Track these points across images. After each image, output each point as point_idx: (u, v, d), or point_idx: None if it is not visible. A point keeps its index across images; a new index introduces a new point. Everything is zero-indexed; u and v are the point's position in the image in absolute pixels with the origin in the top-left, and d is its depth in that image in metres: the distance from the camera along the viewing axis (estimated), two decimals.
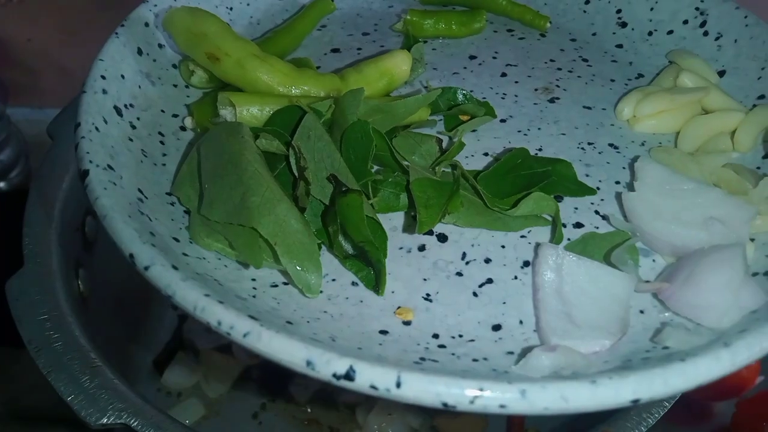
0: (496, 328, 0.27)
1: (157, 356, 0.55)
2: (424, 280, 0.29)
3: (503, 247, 0.30)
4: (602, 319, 0.26)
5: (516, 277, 0.29)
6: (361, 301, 0.27)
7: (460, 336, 0.26)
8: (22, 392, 0.58)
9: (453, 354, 0.25)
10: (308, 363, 0.22)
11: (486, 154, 0.35)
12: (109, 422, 0.29)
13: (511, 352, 0.26)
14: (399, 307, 0.27)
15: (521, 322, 0.27)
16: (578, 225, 0.31)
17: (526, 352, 0.25)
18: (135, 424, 0.29)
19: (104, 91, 0.31)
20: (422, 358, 0.25)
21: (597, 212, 0.32)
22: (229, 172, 0.27)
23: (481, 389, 0.21)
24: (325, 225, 0.29)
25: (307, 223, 0.28)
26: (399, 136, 0.33)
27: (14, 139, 0.75)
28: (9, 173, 0.75)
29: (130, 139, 0.30)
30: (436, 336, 0.26)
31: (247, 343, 0.22)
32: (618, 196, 0.32)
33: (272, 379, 0.56)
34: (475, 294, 0.28)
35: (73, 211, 0.43)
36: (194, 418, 0.53)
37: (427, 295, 0.28)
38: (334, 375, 0.21)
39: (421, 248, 0.30)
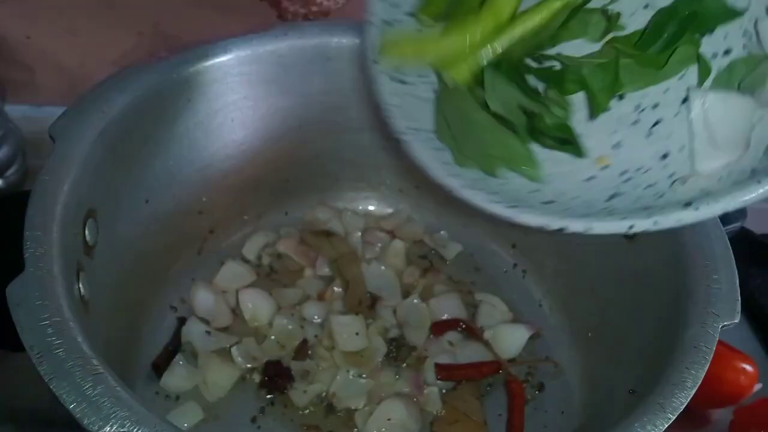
0: (664, 156, 0.36)
1: (156, 359, 0.55)
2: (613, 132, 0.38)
3: (666, 90, 0.37)
4: (735, 140, 0.33)
5: (678, 114, 0.37)
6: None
7: (638, 169, 0.35)
8: (16, 393, 0.58)
9: (635, 184, 0.34)
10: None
11: (646, 7, 0.39)
12: (112, 431, 0.29)
13: (673, 174, 0.34)
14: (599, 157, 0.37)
15: (681, 148, 0.35)
16: (727, 52, 0.36)
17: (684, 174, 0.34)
18: None
19: None
20: (613, 195, 0.35)
21: (745, 34, 0.36)
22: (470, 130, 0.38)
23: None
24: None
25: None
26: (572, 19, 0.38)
27: (11, 137, 0.74)
28: (6, 171, 0.74)
29: None
30: (623, 173, 0.36)
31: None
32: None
33: (271, 384, 0.55)
34: (649, 134, 0.37)
35: (74, 214, 0.42)
36: (193, 422, 0.52)
37: (617, 143, 0.37)
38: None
39: (606, 110, 0.38)
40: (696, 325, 0.39)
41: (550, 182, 0.38)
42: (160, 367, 0.54)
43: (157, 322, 0.58)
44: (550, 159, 0.39)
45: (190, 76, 0.55)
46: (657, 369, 0.40)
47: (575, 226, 0.34)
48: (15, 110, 0.78)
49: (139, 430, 0.29)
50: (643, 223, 0.33)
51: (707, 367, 0.37)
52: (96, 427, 0.29)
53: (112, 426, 0.29)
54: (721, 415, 0.62)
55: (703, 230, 0.46)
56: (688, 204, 0.32)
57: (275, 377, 0.55)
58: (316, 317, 0.60)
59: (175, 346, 0.56)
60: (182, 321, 0.58)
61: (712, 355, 0.37)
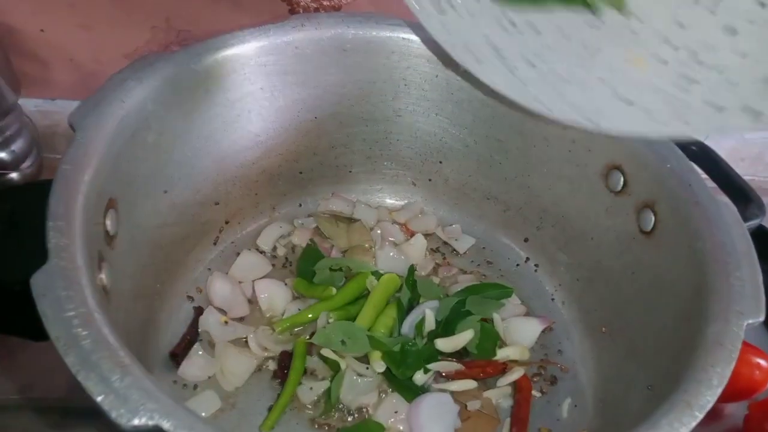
0: None
1: (174, 348, 0.55)
2: None
3: None
4: None
5: None
6: None
7: None
8: (32, 383, 0.58)
9: None
10: None
11: None
12: (141, 423, 0.29)
13: None
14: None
15: None
16: None
17: None
18: (168, 425, 0.29)
19: None
20: None
21: None
22: None
23: None
24: None
25: None
26: None
27: (26, 130, 0.75)
28: (21, 164, 0.74)
29: None
30: None
31: None
32: None
33: (284, 374, 0.55)
34: None
35: (95, 204, 0.42)
36: (211, 411, 0.53)
37: None
38: None
39: None
40: (719, 322, 0.39)
41: None
42: (177, 356, 0.54)
43: (174, 311, 0.59)
44: None
45: (208, 66, 0.54)
46: (678, 365, 0.40)
47: None
48: (29, 104, 0.79)
49: (167, 422, 0.30)
50: None
51: (733, 366, 0.36)
52: (125, 420, 0.29)
53: (140, 418, 0.29)
54: (735, 409, 0.62)
55: (724, 227, 0.46)
56: None
57: (288, 368, 0.55)
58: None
59: (192, 336, 0.56)
60: (199, 311, 0.59)
61: (737, 353, 0.37)
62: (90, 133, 0.44)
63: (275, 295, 0.61)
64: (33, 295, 0.34)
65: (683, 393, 0.35)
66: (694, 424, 0.33)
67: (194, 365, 0.54)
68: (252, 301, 0.61)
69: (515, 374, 0.57)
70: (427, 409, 0.54)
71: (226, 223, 0.65)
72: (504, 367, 0.58)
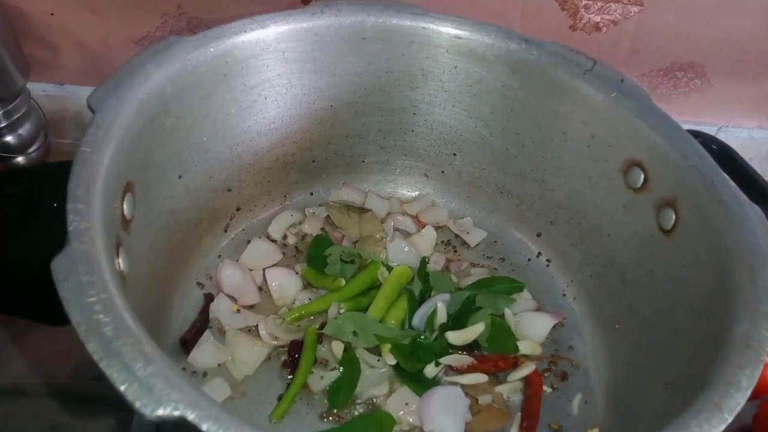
0: None
1: (184, 335, 0.55)
2: None
3: None
4: None
5: None
6: None
7: None
8: (33, 370, 0.58)
9: None
10: None
11: None
12: (165, 414, 0.29)
13: None
14: None
15: None
16: None
17: None
18: (192, 417, 0.29)
19: None
20: None
21: None
22: None
23: None
24: None
25: None
26: None
27: (34, 115, 0.74)
28: (28, 148, 0.74)
29: None
30: None
31: None
32: None
33: (293, 364, 0.55)
34: None
35: (114, 187, 0.42)
36: (220, 399, 0.52)
37: None
38: None
39: None
40: (746, 324, 0.39)
41: None
42: (188, 343, 0.54)
43: (184, 298, 0.58)
44: None
45: (227, 50, 0.53)
46: (699, 366, 0.39)
47: None
48: (37, 88, 0.78)
49: (192, 413, 0.29)
50: None
51: (761, 367, 0.36)
52: (149, 410, 0.29)
53: (165, 408, 0.29)
54: (745, 407, 0.61)
55: (748, 226, 0.45)
56: None
57: (298, 357, 0.55)
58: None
59: (202, 323, 0.56)
60: (210, 298, 0.58)
61: (765, 356, 0.37)
62: (109, 116, 0.43)
63: (286, 284, 0.60)
64: (54, 280, 0.33)
65: (712, 394, 0.35)
66: (723, 426, 0.33)
67: (204, 352, 0.54)
68: (262, 289, 0.61)
69: (526, 369, 0.57)
70: (437, 401, 0.53)
71: (238, 210, 0.65)
72: (515, 362, 0.58)
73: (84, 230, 0.36)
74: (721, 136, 0.94)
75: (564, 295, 0.65)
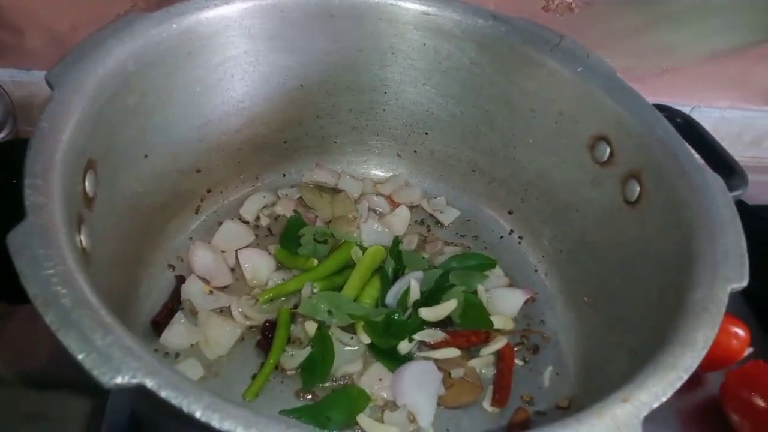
0: None
1: (155, 316, 0.54)
2: None
3: None
4: None
5: None
6: None
7: None
8: (12, 358, 0.57)
9: None
10: None
11: None
12: (123, 382, 0.28)
13: None
14: None
15: None
16: None
17: None
18: (151, 384, 0.28)
19: None
20: None
21: None
22: None
23: None
24: None
25: None
26: None
27: (1, 101, 0.73)
28: None
29: None
30: None
31: None
32: None
33: (267, 344, 0.55)
34: None
35: (74, 164, 0.41)
36: (193, 378, 0.52)
37: None
38: None
39: None
40: (704, 288, 0.39)
41: None
42: (159, 324, 0.54)
43: (155, 280, 0.58)
44: None
45: (190, 26, 0.53)
46: (661, 331, 0.40)
47: None
48: (4, 74, 0.76)
49: (151, 380, 0.29)
50: None
51: (717, 328, 0.37)
52: (107, 378, 0.29)
53: (123, 376, 0.29)
54: (713, 377, 0.63)
55: (709, 195, 0.46)
56: None
57: (271, 337, 0.55)
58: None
59: (174, 305, 0.55)
60: (181, 279, 0.58)
61: (721, 317, 0.38)
62: (69, 92, 0.42)
63: (259, 265, 0.60)
64: (10, 253, 0.32)
65: (668, 356, 0.36)
66: (679, 384, 0.34)
67: (176, 333, 0.54)
68: (235, 271, 0.61)
69: (498, 343, 0.58)
70: (410, 376, 0.54)
71: (209, 191, 0.64)
72: (488, 337, 0.58)
73: (41, 205, 0.35)
74: (694, 116, 0.96)
75: (536, 271, 0.66)
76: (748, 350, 0.61)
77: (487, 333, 0.58)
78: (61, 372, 0.56)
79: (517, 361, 0.58)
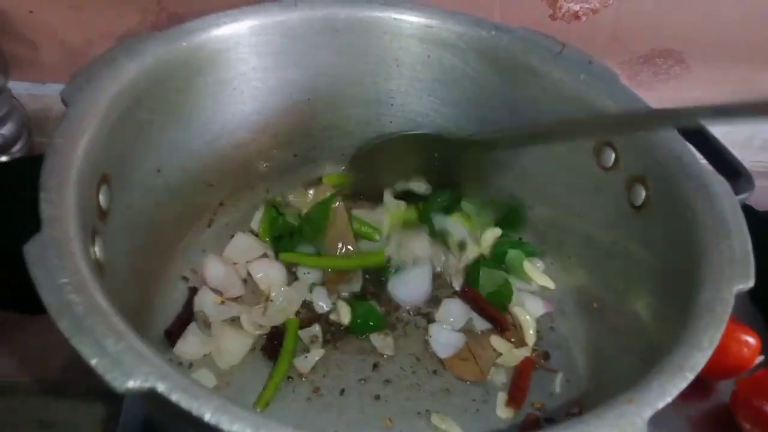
0: None
1: (169, 327, 0.55)
2: None
3: None
4: None
5: None
6: None
7: None
8: (24, 366, 0.58)
9: None
10: None
11: None
12: (135, 386, 0.29)
13: None
14: None
15: None
16: None
17: None
18: (162, 388, 0.29)
19: None
20: None
21: None
22: None
23: None
24: None
25: None
26: None
27: (16, 114, 0.74)
28: (11, 147, 0.74)
29: None
30: None
31: None
32: None
33: (272, 349, 0.56)
34: None
35: (88, 178, 0.42)
36: None
37: None
38: None
39: None
40: (710, 290, 0.39)
41: None
42: (172, 334, 0.54)
43: (169, 291, 0.59)
44: None
45: (200, 44, 0.54)
46: (669, 335, 0.40)
47: None
48: (19, 87, 0.78)
49: (162, 384, 0.30)
50: None
51: (723, 329, 0.37)
52: (119, 383, 0.29)
53: (135, 380, 0.29)
54: (724, 386, 0.62)
55: (714, 197, 0.46)
56: None
57: (277, 343, 0.56)
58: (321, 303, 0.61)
59: (187, 315, 0.56)
60: (193, 291, 0.59)
61: (727, 318, 0.38)
62: (83, 108, 0.44)
63: (272, 274, 0.61)
64: (26, 264, 0.34)
65: (674, 357, 0.36)
66: (684, 384, 0.34)
67: (189, 343, 0.54)
68: (247, 282, 0.61)
69: (524, 351, 0.59)
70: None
71: (221, 204, 0.65)
72: (504, 323, 0.61)
73: (56, 218, 0.36)
74: (703, 122, 0.96)
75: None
76: (759, 358, 0.61)
77: (504, 320, 0.61)
78: (74, 380, 0.57)
79: None
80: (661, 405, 0.33)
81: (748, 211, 0.73)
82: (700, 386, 0.63)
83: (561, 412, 0.55)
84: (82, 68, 0.47)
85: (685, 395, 0.61)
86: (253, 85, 0.61)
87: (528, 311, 0.62)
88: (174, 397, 0.29)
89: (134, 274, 0.52)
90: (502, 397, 0.56)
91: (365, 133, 0.70)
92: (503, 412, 0.55)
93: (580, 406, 0.55)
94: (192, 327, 0.56)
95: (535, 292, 0.65)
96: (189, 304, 0.58)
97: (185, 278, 0.61)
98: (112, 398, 0.54)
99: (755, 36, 0.84)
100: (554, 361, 0.59)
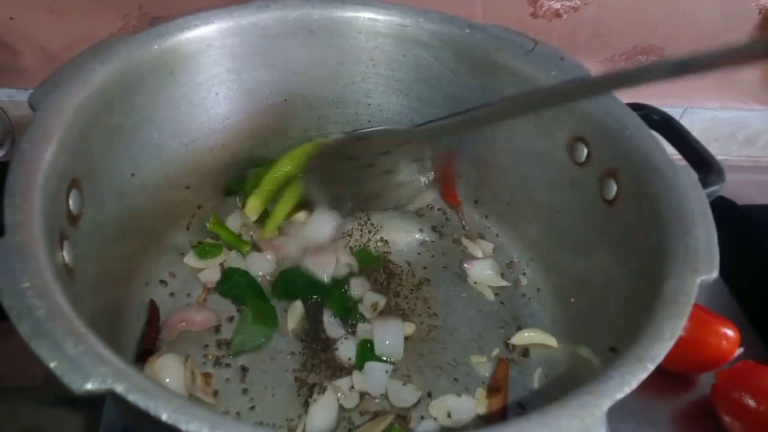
0: None
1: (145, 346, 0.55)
2: None
3: None
4: None
5: None
6: None
7: None
8: (6, 374, 0.58)
9: None
10: None
11: None
12: (94, 387, 0.29)
13: None
14: None
15: None
16: None
17: None
18: (120, 389, 0.29)
19: None
20: None
21: None
22: None
23: None
24: None
25: None
26: None
27: None
28: None
29: None
30: None
31: None
32: None
33: None
34: None
35: (56, 183, 0.42)
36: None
37: None
38: None
39: None
40: (674, 280, 0.40)
41: None
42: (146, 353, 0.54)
43: (148, 293, 0.58)
44: None
45: (171, 47, 0.54)
46: (636, 325, 0.40)
47: None
48: (1, 94, 0.78)
49: (120, 386, 0.30)
50: None
51: (685, 319, 0.37)
52: (77, 385, 0.29)
53: (93, 383, 0.30)
54: (704, 378, 0.63)
55: (681, 189, 0.46)
56: None
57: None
58: None
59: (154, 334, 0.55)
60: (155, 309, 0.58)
61: (690, 308, 0.38)
62: (50, 113, 0.44)
63: None
64: None
65: (637, 347, 0.36)
66: (645, 375, 0.34)
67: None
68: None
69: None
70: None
71: (199, 207, 0.65)
72: None
73: (20, 222, 0.36)
74: (687, 118, 0.96)
75: (524, 273, 0.66)
76: (739, 351, 0.61)
77: None
78: (57, 387, 0.57)
79: None
80: (620, 395, 0.33)
81: (728, 205, 0.74)
82: (681, 380, 0.64)
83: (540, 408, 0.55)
84: (51, 74, 0.47)
85: (666, 389, 0.63)
86: (228, 87, 0.61)
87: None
88: (131, 398, 0.29)
89: (109, 278, 0.52)
90: (478, 392, 0.56)
91: (343, 134, 0.70)
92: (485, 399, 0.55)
93: (559, 401, 0.55)
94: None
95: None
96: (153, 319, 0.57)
97: (163, 282, 0.61)
98: (94, 405, 0.54)
99: (735, 32, 0.84)
100: (534, 357, 0.59)
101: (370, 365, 0.55)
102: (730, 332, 0.61)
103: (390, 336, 0.57)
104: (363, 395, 0.54)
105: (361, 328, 0.58)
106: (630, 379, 0.33)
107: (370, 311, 0.60)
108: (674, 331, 0.36)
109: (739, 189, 0.82)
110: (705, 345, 0.61)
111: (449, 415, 0.53)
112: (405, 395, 0.54)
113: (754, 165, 1.01)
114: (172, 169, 0.60)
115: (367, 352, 0.56)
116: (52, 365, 0.30)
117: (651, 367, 0.34)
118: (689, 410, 0.62)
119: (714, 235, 0.42)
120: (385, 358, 0.56)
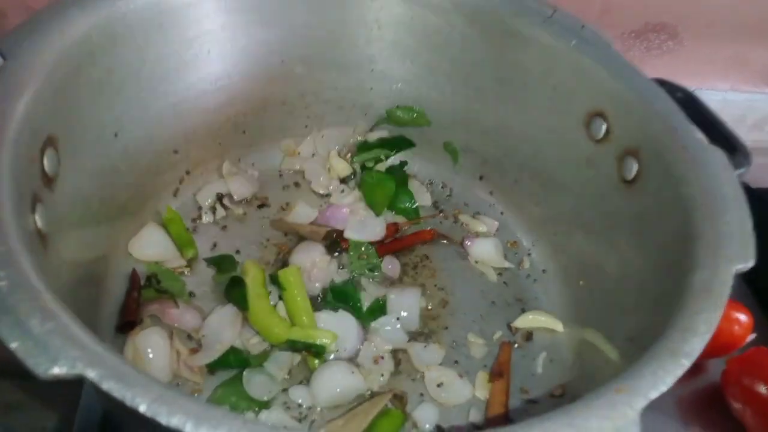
0: None
1: (126, 318, 0.51)
2: None
3: None
4: None
5: None
6: None
7: None
8: None
9: None
10: None
11: None
12: (62, 372, 0.26)
13: None
14: None
15: None
16: None
17: None
18: (92, 375, 0.26)
19: None
20: None
21: None
22: None
23: None
24: None
25: None
26: None
27: None
28: None
29: None
30: None
31: None
32: None
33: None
34: None
35: (29, 140, 0.38)
36: None
37: None
38: None
39: None
40: (707, 269, 0.37)
41: None
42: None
43: (131, 263, 0.55)
44: None
45: None
46: (661, 316, 0.37)
47: None
48: None
49: (92, 371, 0.26)
50: None
51: (722, 311, 0.34)
52: (42, 369, 0.26)
53: (61, 367, 0.26)
54: (714, 364, 0.60)
55: (712, 171, 0.43)
56: None
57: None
58: None
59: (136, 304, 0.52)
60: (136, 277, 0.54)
61: (725, 299, 0.35)
62: (23, 63, 0.40)
63: None
64: None
65: (668, 341, 0.33)
66: (681, 372, 0.31)
67: None
68: None
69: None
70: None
71: (188, 173, 0.61)
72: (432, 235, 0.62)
73: None
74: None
75: (529, 254, 0.63)
76: (751, 336, 0.59)
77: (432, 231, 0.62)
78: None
79: None
80: (654, 394, 0.30)
81: (743, 187, 0.70)
82: (691, 365, 0.62)
83: (544, 393, 0.52)
84: (26, 20, 0.42)
85: None
86: (222, 44, 0.56)
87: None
88: (105, 386, 0.26)
89: (89, 245, 0.48)
90: (480, 376, 0.53)
91: (344, 101, 0.66)
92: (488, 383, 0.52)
93: (563, 386, 0.52)
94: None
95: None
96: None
97: None
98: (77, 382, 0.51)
99: (749, 11, 0.81)
100: (537, 341, 0.56)
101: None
102: (742, 317, 0.59)
103: (406, 306, 0.55)
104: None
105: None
106: (664, 375, 0.30)
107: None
108: (710, 324, 0.33)
109: (751, 171, 0.80)
110: (717, 330, 0.58)
111: (439, 386, 0.51)
112: (429, 355, 0.53)
113: (763, 147, 0.98)
114: (159, 131, 0.56)
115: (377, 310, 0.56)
116: (12, 345, 0.26)
117: (687, 363, 0.31)
118: (698, 396, 0.60)
119: (749, 221, 0.39)
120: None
